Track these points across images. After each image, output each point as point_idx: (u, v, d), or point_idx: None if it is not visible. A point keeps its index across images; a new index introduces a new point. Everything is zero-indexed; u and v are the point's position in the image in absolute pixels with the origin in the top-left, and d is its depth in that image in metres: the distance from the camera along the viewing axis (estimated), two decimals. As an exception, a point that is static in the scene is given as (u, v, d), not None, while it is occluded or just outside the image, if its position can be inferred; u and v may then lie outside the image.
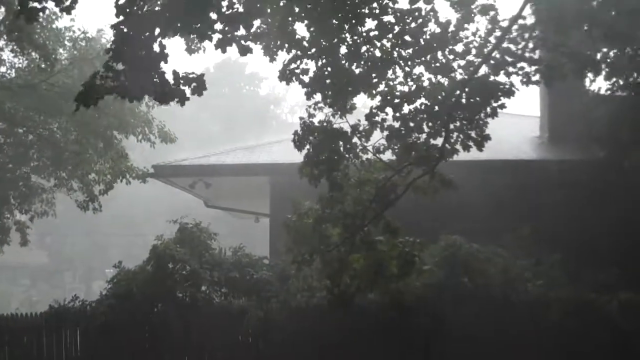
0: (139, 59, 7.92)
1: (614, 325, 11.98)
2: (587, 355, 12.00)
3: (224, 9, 8.14)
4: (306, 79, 9.94)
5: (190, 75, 8.22)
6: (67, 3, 8.18)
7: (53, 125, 20.37)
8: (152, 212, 49.76)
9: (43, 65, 18.19)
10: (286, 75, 9.93)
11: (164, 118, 20.76)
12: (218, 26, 8.12)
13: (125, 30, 7.88)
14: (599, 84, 15.86)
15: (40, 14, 8.31)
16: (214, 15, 8.03)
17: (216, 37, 8.16)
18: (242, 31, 8.37)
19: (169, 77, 8.14)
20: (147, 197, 46.14)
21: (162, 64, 7.96)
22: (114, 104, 18.79)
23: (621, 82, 13.73)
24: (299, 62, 9.90)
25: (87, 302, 13.84)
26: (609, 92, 14.40)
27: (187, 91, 8.24)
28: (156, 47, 7.89)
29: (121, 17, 7.88)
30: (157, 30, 7.87)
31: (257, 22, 9.20)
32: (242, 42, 8.34)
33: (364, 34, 9.91)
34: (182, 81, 8.18)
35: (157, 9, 8.05)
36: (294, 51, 9.68)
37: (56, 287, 50.66)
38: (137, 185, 20.83)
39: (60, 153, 19.92)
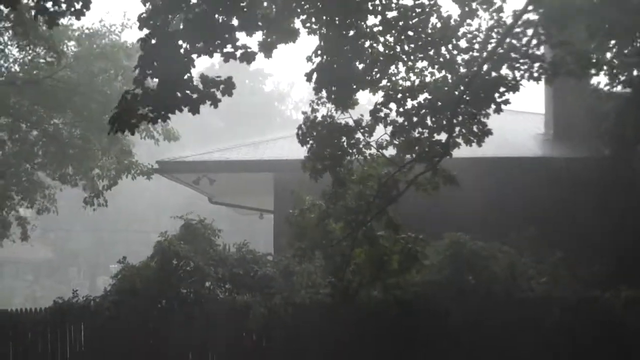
0: (167, 72, 8.04)
1: (617, 323, 11.97)
2: (591, 352, 12.00)
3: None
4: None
5: (218, 79, 8.38)
6: (78, 7, 8.49)
7: (58, 120, 20.36)
8: (157, 209, 49.91)
9: (49, 59, 18.18)
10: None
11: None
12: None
13: (152, 42, 7.98)
14: (603, 80, 15.78)
15: (61, 18, 8.50)
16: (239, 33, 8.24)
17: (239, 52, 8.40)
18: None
19: (196, 82, 8.34)
20: (152, 193, 46.29)
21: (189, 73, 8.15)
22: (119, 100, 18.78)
23: (622, 78, 13.67)
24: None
25: (92, 298, 13.85)
26: (612, 88, 14.37)
27: (217, 93, 8.37)
28: (182, 62, 8.09)
29: (145, 30, 8.03)
30: (183, 47, 8.09)
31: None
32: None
33: (367, 30, 9.91)
34: (211, 84, 8.29)
35: (181, 26, 8.19)
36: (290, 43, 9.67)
37: (60, 283, 50.73)
38: (141, 182, 20.86)
39: (65, 149, 19.92)
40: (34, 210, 21.45)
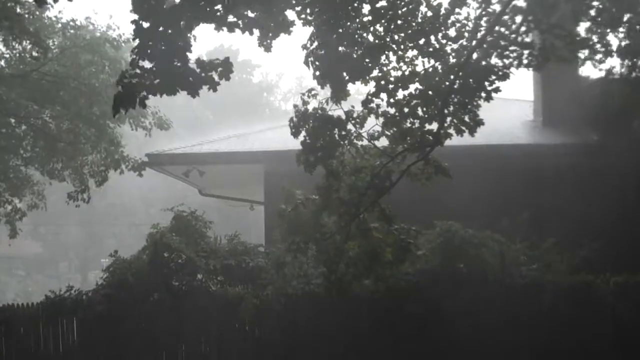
0: (165, 54, 7.95)
1: (609, 308, 12.04)
2: (583, 337, 12.06)
3: None
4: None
5: (216, 61, 8.29)
6: None
7: (46, 114, 20.24)
8: (147, 202, 49.76)
9: (35, 54, 18.08)
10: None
11: (156, 106, 20.62)
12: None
13: (146, 25, 7.90)
14: (591, 68, 15.88)
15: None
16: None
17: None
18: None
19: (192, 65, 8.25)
20: (142, 186, 46.07)
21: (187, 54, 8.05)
22: (106, 92, 18.72)
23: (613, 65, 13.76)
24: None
25: (84, 292, 13.82)
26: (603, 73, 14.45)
27: (215, 76, 8.30)
28: (180, 40, 7.98)
29: (138, 12, 7.94)
30: (182, 24, 7.97)
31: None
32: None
33: (357, 20, 9.89)
34: (207, 67, 8.22)
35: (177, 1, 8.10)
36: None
37: (52, 278, 50.64)
38: (131, 175, 20.74)
39: (54, 143, 19.80)
40: (22, 205, 21.27)
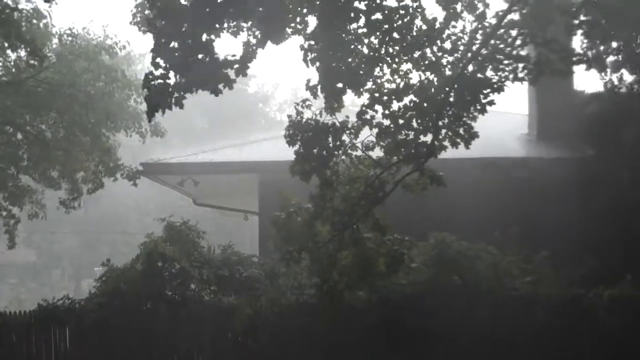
0: (186, 50, 8.03)
1: (601, 321, 12.05)
2: (575, 350, 12.07)
3: None
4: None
5: (232, 58, 8.27)
6: None
7: (41, 123, 20.20)
8: (141, 211, 49.67)
9: (32, 61, 18.06)
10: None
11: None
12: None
13: (161, 24, 7.97)
14: (586, 80, 15.99)
15: None
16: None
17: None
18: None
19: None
20: (136, 195, 46.02)
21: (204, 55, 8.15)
22: (102, 99, 18.72)
23: (608, 79, 13.84)
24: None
25: (76, 300, 13.78)
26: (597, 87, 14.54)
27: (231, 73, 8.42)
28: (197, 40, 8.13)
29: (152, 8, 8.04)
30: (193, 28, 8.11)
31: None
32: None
33: (352, 32, 9.93)
34: (223, 65, 8.28)
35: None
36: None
37: (45, 285, 50.44)
38: (125, 184, 20.70)
39: (50, 151, 19.76)
40: (20, 216, 21.16)
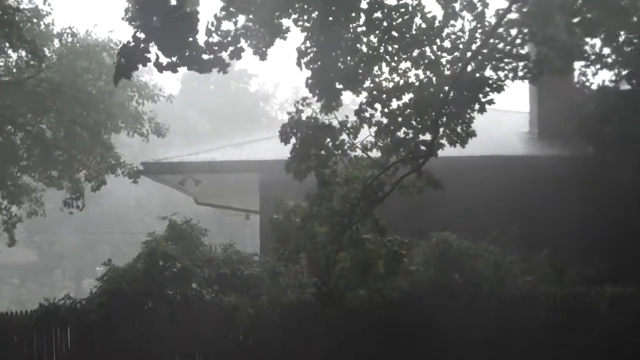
0: (167, 27, 7.89)
1: (602, 319, 12.05)
2: (577, 348, 12.07)
3: None
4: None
5: (225, 41, 8.20)
6: None
7: (42, 122, 20.20)
8: (142, 210, 49.73)
9: (32, 62, 18.05)
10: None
11: (152, 110, 20.58)
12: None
13: None
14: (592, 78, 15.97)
15: None
16: None
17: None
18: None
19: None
20: (137, 194, 46.08)
21: (191, 33, 7.99)
22: (103, 99, 18.70)
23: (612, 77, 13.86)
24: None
25: (78, 300, 13.79)
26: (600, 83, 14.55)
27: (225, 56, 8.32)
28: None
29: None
30: None
31: (242, 19, 9.21)
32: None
33: (352, 30, 9.92)
34: (216, 48, 8.15)
35: None
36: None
37: (46, 286, 50.44)
38: (126, 183, 20.70)
39: (50, 151, 19.76)
40: (20, 214, 21.18)
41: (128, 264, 13.96)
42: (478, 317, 12.11)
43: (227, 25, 8.77)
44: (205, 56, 8.19)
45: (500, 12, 10.31)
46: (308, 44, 9.79)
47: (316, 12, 9.69)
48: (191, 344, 13.27)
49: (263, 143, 19.19)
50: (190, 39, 8.02)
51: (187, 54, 8.06)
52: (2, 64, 19.80)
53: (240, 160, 17.64)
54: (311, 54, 9.78)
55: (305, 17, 9.68)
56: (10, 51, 18.85)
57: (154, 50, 8.17)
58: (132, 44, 8.00)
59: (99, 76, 19.12)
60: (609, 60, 13.27)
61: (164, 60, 8.15)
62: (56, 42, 19.54)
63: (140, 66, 8.30)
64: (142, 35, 8.00)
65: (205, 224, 15.41)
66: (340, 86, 10.03)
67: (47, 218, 21.70)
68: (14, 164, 20.17)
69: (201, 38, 8.33)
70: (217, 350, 13.24)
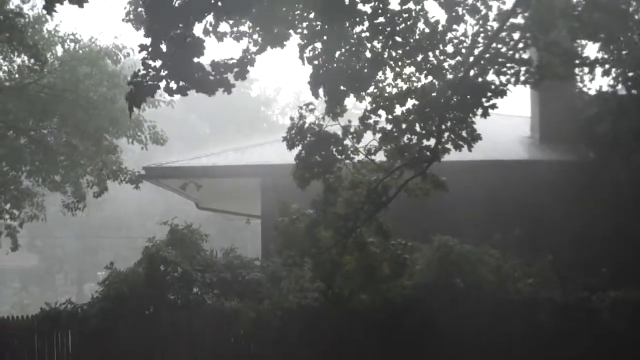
0: (175, 53, 7.93)
1: (604, 324, 12.04)
2: (578, 352, 12.05)
3: None
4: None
5: (230, 62, 8.27)
6: None
7: (44, 128, 20.21)
8: (143, 215, 49.71)
9: (35, 67, 18.06)
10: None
11: (154, 120, 20.61)
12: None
13: (154, 25, 7.92)
14: (589, 84, 15.97)
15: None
16: None
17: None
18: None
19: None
20: (138, 199, 46.07)
21: (198, 56, 8.05)
22: (105, 105, 18.71)
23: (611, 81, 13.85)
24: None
25: (79, 305, 13.78)
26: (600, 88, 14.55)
27: (230, 77, 8.35)
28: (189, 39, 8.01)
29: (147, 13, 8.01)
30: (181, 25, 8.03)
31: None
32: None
33: (355, 36, 9.92)
34: (222, 69, 8.19)
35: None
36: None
37: (47, 290, 50.49)
38: (127, 188, 20.71)
39: (53, 156, 19.77)
40: (16, 223, 21.14)
41: (129, 268, 13.95)
42: (479, 321, 12.10)
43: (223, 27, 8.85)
44: (211, 77, 8.22)
45: (504, 11, 10.30)
46: (310, 40, 9.77)
47: (318, 20, 9.68)
48: (192, 348, 13.26)
49: (264, 147, 19.20)
50: (196, 59, 8.10)
51: (195, 76, 8.11)
52: (5, 68, 19.82)
53: (242, 164, 17.65)
54: (314, 51, 9.74)
55: (305, 24, 9.69)
56: (12, 56, 18.87)
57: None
58: (142, 71, 8.07)
59: (100, 82, 19.14)
60: (606, 65, 13.24)
61: (173, 85, 8.22)
62: (59, 47, 19.56)
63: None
64: (151, 62, 8.08)
65: (206, 228, 15.42)
66: (344, 89, 10.01)
67: (49, 222, 21.68)
68: (19, 169, 20.17)
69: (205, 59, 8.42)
70: (218, 354, 13.22)
